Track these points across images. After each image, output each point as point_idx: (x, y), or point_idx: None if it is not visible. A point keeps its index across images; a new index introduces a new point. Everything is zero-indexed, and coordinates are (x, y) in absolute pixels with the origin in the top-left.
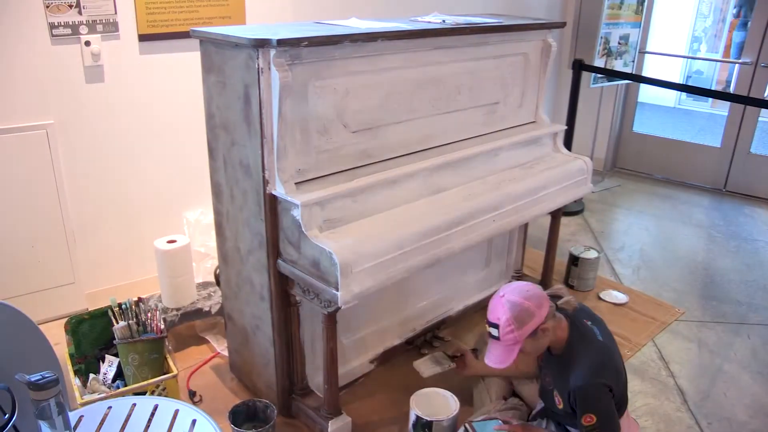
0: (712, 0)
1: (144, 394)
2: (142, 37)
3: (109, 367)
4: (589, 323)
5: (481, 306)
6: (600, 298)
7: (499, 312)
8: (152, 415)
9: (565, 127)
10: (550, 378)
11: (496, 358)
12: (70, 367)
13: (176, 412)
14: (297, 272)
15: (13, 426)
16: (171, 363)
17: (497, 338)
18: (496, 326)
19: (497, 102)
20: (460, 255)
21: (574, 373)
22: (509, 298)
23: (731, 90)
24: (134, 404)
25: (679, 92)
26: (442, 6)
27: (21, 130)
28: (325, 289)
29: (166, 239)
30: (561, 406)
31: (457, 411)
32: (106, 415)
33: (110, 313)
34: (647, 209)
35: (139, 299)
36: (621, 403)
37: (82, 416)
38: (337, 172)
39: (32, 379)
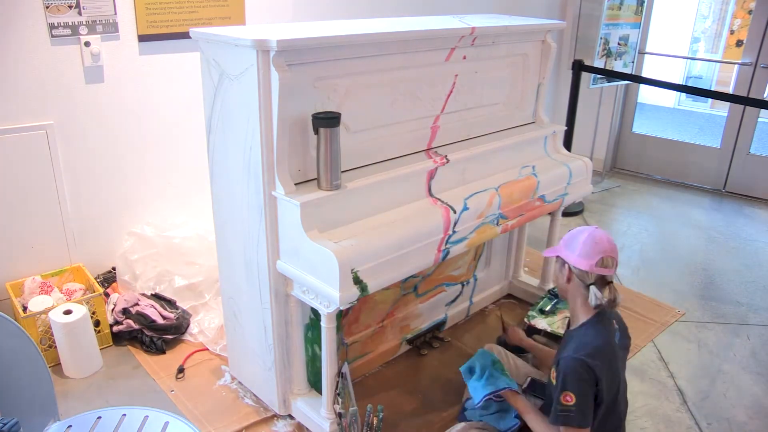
0: (712, 1)
1: None
2: (142, 38)
3: None
4: (615, 325)
5: (481, 307)
6: None
7: (579, 231)
8: (141, 426)
9: (565, 128)
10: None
11: (552, 248)
12: None
13: (166, 424)
14: (296, 272)
15: None
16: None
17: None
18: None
19: (497, 102)
20: (460, 255)
21: (572, 345)
22: (592, 231)
23: (731, 90)
24: (124, 415)
25: (678, 93)
26: (441, 5)
27: (21, 130)
28: (324, 289)
29: (62, 309)
30: (555, 381)
31: None
32: (94, 425)
33: None
34: (647, 210)
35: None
36: (607, 414)
37: (70, 426)
38: None
39: None
